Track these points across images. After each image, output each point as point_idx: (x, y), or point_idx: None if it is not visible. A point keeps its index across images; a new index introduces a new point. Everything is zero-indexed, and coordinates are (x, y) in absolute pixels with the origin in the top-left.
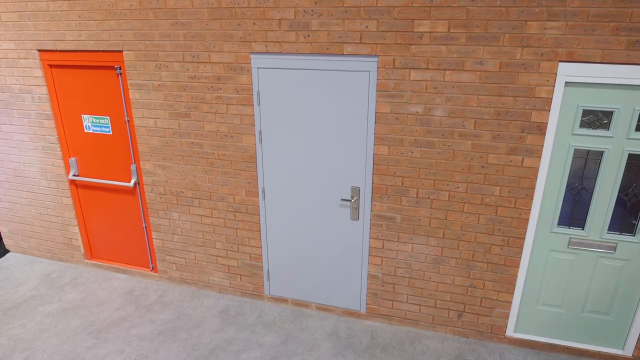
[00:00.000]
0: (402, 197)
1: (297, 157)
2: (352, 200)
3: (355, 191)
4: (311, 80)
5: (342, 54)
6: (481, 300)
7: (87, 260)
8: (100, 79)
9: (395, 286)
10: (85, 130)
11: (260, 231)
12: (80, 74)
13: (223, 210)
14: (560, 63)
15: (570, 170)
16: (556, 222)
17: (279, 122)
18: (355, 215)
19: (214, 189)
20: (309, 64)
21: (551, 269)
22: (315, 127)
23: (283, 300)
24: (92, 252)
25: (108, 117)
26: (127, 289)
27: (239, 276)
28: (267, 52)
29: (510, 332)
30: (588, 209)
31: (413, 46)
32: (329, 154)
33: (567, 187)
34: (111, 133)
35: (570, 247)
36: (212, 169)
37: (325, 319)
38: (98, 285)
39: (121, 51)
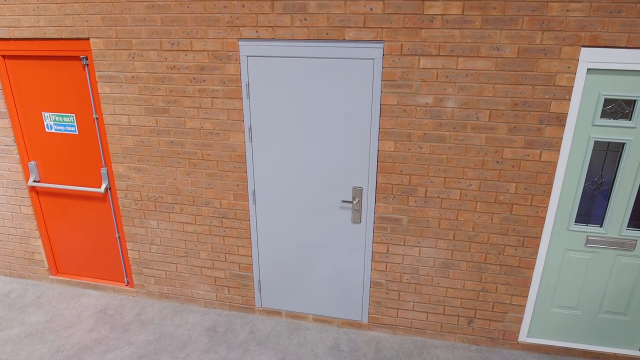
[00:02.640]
0: (409, 197)
1: (292, 156)
2: (354, 202)
3: (357, 192)
4: (308, 70)
5: (344, 40)
6: (493, 305)
7: (52, 276)
8: (64, 71)
9: (401, 293)
10: (47, 130)
11: (250, 238)
12: (39, 66)
13: (208, 216)
14: (582, 48)
15: (589, 163)
16: (574, 219)
17: (271, 117)
18: (357, 217)
19: (198, 193)
20: (305, 51)
21: (567, 269)
22: (313, 122)
23: (276, 312)
24: (57, 266)
25: (73, 115)
26: (100, 307)
27: (226, 288)
28: (258, 39)
29: (523, 337)
30: (607, 204)
31: (423, 30)
32: (327, 152)
33: (585, 182)
34: (77, 132)
35: (587, 245)
36: (195, 170)
37: (324, 332)
38: (66, 304)
39: (88, 39)
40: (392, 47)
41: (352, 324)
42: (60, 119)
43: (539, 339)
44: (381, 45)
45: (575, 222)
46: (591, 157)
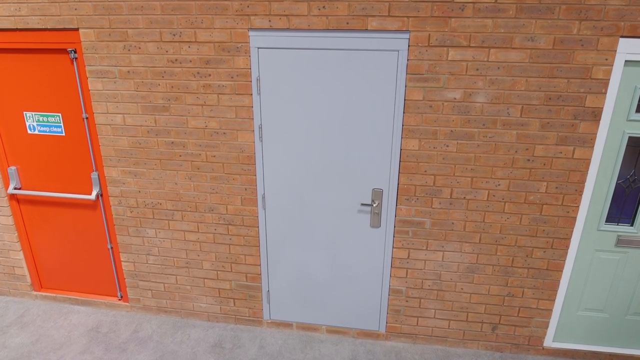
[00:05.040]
0: (434, 199)
1: (306, 157)
2: (374, 205)
3: (378, 194)
4: (326, 63)
5: (366, 30)
6: (519, 310)
7: (35, 292)
8: (49, 66)
9: (422, 300)
10: (29, 132)
11: (259, 246)
12: (21, 60)
13: (212, 223)
14: (621, 39)
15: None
16: (604, 219)
17: (284, 114)
18: (376, 221)
19: (201, 198)
20: (323, 42)
21: (596, 270)
22: (330, 120)
23: (286, 324)
24: (41, 281)
25: (59, 115)
26: (91, 325)
27: (232, 300)
28: (271, 29)
29: (549, 342)
30: (639, 203)
31: (453, 19)
32: (346, 152)
33: (617, 179)
34: (64, 134)
35: (617, 245)
36: (198, 174)
37: (339, 344)
38: (53, 322)
39: (77, 29)
40: (418, 38)
41: (368, 334)
42: (45, 119)
43: (565, 344)
44: (407, 35)
45: (606, 221)
46: (624, 154)
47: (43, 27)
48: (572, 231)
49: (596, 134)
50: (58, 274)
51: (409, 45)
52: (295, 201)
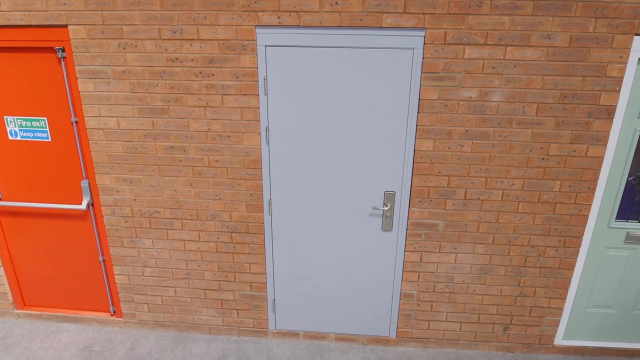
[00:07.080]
0: (447, 200)
1: (315, 160)
2: (386, 208)
3: (390, 197)
4: (337, 62)
5: (380, 27)
6: (531, 309)
7: (18, 311)
8: (33, 66)
9: (434, 304)
10: (11, 137)
11: (264, 254)
12: (1, 60)
13: (215, 231)
14: (635, 36)
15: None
16: (614, 216)
17: (292, 115)
18: (388, 225)
19: (203, 206)
20: (335, 40)
21: (605, 267)
22: (341, 121)
23: (293, 334)
24: (24, 299)
25: (45, 119)
26: (83, 344)
27: (235, 311)
28: (280, 25)
29: (559, 340)
30: None
31: (470, 17)
32: (357, 154)
33: (627, 176)
34: (50, 140)
35: (627, 242)
36: (200, 179)
37: (350, 352)
38: (40, 343)
39: (65, 26)
40: (434, 36)
41: (378, 340)
42: (28, 123)
43: (575, 341)
44: (422, 33)
45: (616, 218)
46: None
47: (27, 23)
48: (584, 229)
49: (609, 132)
50: (43, 290)
51: (424, 43)
52: (303, 206)
